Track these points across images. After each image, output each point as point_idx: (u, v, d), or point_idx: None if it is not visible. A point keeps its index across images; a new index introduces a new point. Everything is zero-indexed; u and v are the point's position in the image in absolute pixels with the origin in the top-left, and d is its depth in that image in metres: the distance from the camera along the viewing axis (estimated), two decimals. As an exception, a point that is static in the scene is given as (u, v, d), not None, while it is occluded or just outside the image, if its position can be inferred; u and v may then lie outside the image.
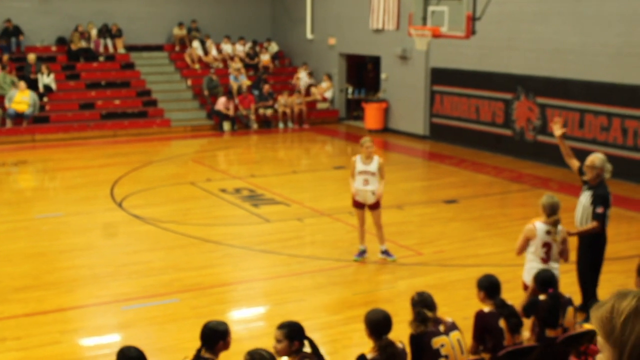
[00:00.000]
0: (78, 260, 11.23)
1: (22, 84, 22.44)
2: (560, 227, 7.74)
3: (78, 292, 9.99)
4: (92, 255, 11.47)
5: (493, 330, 6.42)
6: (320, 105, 25.67)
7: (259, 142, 22.95)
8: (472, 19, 14.54)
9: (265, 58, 27.08)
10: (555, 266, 7.73)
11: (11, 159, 19.67)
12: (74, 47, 25.55)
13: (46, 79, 23.69)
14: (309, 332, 5.81)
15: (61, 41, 26.05)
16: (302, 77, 25.93)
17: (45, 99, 23.45)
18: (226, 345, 5.74)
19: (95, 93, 24.52)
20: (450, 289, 9.69)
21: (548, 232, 7.69)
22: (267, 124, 24.35)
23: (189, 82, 25.84)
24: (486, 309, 6.54)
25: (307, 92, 25.69)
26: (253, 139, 23.21)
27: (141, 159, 19.21)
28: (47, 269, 10.83)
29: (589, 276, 8.57)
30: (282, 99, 24.50)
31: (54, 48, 25.92)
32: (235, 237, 12.15)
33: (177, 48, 27.14)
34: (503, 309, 6.47)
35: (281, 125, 24.34)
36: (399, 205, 14.14)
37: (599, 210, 8.25)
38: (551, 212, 7.68)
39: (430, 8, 15.61)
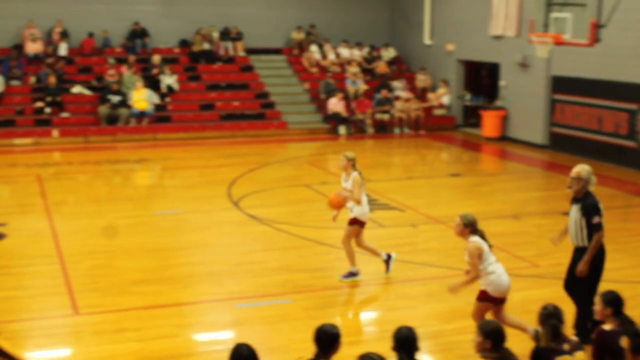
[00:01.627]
0: (195, 257, 11.51)
1: (139, 83, 23.19)
2: None
3: (194, 288, 10.23)
4: (209, 253, 11.74)
5: (614, 350, 6.15)
6: (437, 112, 25.44)
7: (375, 146, 22.95)
8: (597, 26, 14.10)
9: (382, 63, 27.06)
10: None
11: (134, 157, 20.35)
12: (195, 49, 26.23)
13: (169, 79, 24.40)
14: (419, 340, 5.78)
15: (184, 43, 26.79)
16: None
17: (167, 99, 24.15)
18: (337, 349, 5.74)
19: (215, 94, 25.08)
20: (568, 303, 9.41)
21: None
22: (383, 129, 24.32)
23: (306, 86, 26.10)
24: (607, 326, 6.28)
25: (423, 98, 25.50)
26: (368, 144, 23.23)
27: (258, 160, 19.53)
28: (165, 264, 11.14)
29: (586, 292, 8.19)
30: (399, 104, 24.41)
31: (177, 50, 26.67)
32: (349, 241, 12.17)
33: (295, 51, 27.47)
34: (627, 326, 6.21)
35: (397, 130, 24.25)
36: (515, 216, 13.86)
37: (595, 220, 8.01)
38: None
39: (553, 15, 15.25)
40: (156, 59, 25.02)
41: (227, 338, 8.60)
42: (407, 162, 20.92)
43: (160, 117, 23.48)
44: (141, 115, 22.99)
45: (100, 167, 19.17)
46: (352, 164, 10.32)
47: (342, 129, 23.81)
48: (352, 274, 10.40)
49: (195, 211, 14.23)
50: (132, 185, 18.10)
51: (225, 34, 26.91)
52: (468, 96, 25.51)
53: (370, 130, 24.12)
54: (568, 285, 8.52)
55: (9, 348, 4.93)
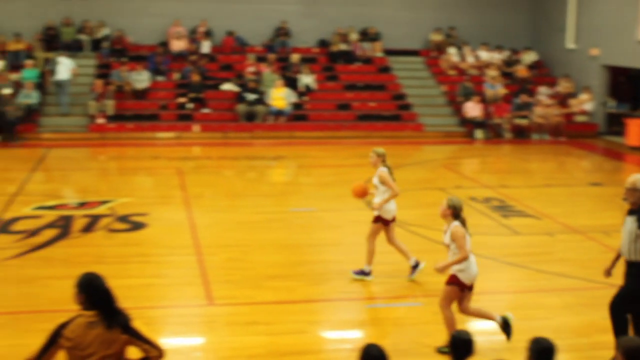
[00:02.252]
0: (327, 255, 11.60)
1: (279, 81, 23.58)
2: None
3: (325, 286, 10.29)
4: (341, 252, 11.79)
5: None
6: (579, 118, 24.62)
7: (512, 152, 22.46)
8: None
9: (522, 67, 26.45)
10: None
11: (270, 154, 20.73)
12: (334, 49, 26.45)
13: (307, 79, 24.71)
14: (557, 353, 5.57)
15: (322, 43, 27.07)
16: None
17: (305, 98, 24.46)
18: (471, 355, 5.64)
19: (352, 94, 25.20)
20: None
21: None
22: (521, 134, 23.76)
23: (444, 88, 25.84)
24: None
25: (565, 104, 24.73)
26: (505, 149, 22.76)
27: (392, 162, 19.21)
28: (298, 260, 11.27)
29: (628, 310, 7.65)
30: (539, 109, 23.78)
31: (315, 49, 26.98)
32: (482, 247, 11.90)
33: (433, 53, 27.24)
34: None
35: (536, 136, 23.64)
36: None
37: None
38: None
39: None
40: (295, 58, 25.39)
41: (356, 337, 8.62)
42: (546, 168, 20.33)
43: (297, 116, 23.82)
44: (279, 113, 23.38)
45: (238, 162, 19.63)
46: (382, 159, 10.18)
47: (478, 133, 23.43)
48: (364, 273, 10.32)
49: (329, 209, 14.34)
50: (267, 181, 18.45)
51: (364, 35, 27.01)
52: (612, 103, 24.56)
53: (508, 135, 23.62)
54: (616, 307, 7.75)
55: (146, 333, 5.09)
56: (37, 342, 5.10)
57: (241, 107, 23.38)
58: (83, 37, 25.48)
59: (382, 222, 10.30)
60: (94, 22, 25.73)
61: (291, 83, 24.32)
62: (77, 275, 5.17)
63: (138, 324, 5.09)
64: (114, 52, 25.34)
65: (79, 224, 12.94)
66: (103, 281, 5.09)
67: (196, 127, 23.10)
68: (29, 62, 23.68)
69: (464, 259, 7.84)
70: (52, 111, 23.34)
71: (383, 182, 10.08)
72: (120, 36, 25.59)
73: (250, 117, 23.47)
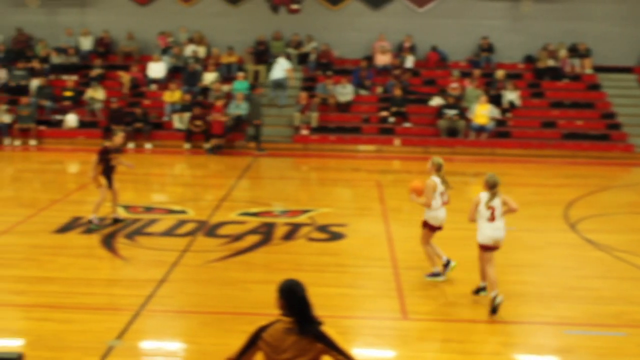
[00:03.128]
0: (525, 276, 11.27)
1: (483, 97, 23.23)
2: None
3: (522, 308, 9.98)
4: (540, 274, 11.41)
5: None
6: None
7: None
8: None
9: None
10: None
11: (470, 170, 20.46)
12: (540, 65, 25.74)
13: (511, 95, 24.19)
14: None
15: (528, 59, 26.42)
16: None
17: (508, 115, 23.97)
18: None
19: (558, 112, 24.41)
20: None
21: None
22: None
23: (658, 107, 24.45)
24: None
25: None
26: None
27: (599, 183, 18.66)
28: (500, 279, 10.98)
29: None
30: None
31: (521, 65, 26.39)
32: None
33: (648, 71, 25.87)
34: None
35: None
36: None
37: None
38: None
39: None
40: (500, 74, 24.96)
41: (554, 364, 8.29)
42: None
43: (499, 133, 23.37)
44: (480, 129, 23.05)
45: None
46: (435, 168, 10.71)
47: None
48: (435, 275, 10.84)
49: (529, 229, 13.92)
50: (466, 198, 18.15)
51: (573, 51, 26.09)
52: None
53: None
54: None
55: (341, 343, 5.14)
56: (237, 342, 5.29)
57: (442, 123, 23.27)
58: (291, 51, 26.39)
59: (429, 228, 10.82)
60: (302, 36, 26.60)
61: (495, 99, 23.92)
62: (276, 280, 5.33)
63: (332, 332, 5.15)
64: (320, 65, 26.04)
65: (281, 231, 13.37)
66: (302, 288, 5.20)
67: (397, 141, 23.24)
68: (240, 74, 24.86)
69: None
70: (259, 122, 24.32)
71: (425, 189, 10.67)
72: (326, 50, 26.27)
73: (452, 132, 23.30)
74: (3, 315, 9.48)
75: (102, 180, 13.49)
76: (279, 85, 24.50)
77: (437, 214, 10.77)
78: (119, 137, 13.75)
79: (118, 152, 13.85)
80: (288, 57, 25.64)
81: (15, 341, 8.57)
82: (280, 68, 24.34)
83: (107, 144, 13.89)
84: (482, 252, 9.94)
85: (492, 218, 9.77)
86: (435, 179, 10.68)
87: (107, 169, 13.51)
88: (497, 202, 9.82)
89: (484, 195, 9.85)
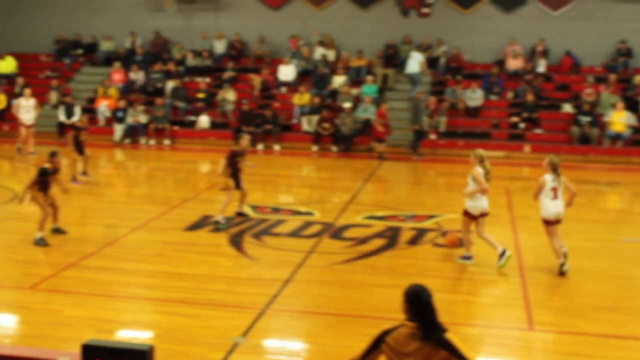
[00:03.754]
0: (661, 291, 10.77)
1: (620, 104, 22.36)
2: None
3: (657, 324, 9.57)
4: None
5: None
6: None
7: None
8: None
9: None
10: None
11: (604, 179, 19.77)
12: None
13: (649, 102, 23.24)
14: None
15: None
16: None
17: (648, 122, 23.05)
18: None
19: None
20: None
21: None
22: None
23: None
24: None
25: None
26: None
27: None
28: (628, 293, 10.60)
29: None
30: None
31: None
32: None
33: None
34: None
35: None
36: None
37: None
38: None
39: None
40: (638, 79, 23.98)
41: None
42: None
43: (636, 141, 22.46)
44: (616, 137, 22.23)
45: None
46: (478, 160, 11.47)
47: None
48: (466, 257, 11.73)
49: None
50: (599, 207, 17.56)
51: None
52: None
53: None
54: None
55: (465, 351, 5.06)
56: (359, 345, 5.29)
57: (575, 130, 22.58)
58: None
59: (469, 216, 11.55)
60: (432, 40, 26.40)
61: (632, 106, 23.00)
62: (400, 285, 5.30)
63: (458, 340, 5.08)
64: (450, 69, 25.78)
65: (406, 236, 13.30)
66: (428, 294, 5.15)
67: (527, 148, 22.72)
68: (369, 78, 24.92)
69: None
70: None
71: (474, 178, 11.33)
72: (456, 54, 25.98)
73: (585, 140, 22.57)
74: (135, 308, 9.84)
75: (230, 183, 13.86)
76: (413, 79, 24.43)
77: (478, 203, 11.47)
78: (244, 140, 14.09)
79: (243, 155, 14.15)
80: (423, 49, 25.54)
81: (146, 333, 8.88)
82: (415, 61, 24.29)
83: (235, 147, 14.21)
84: (547, 227, 11.32)
85: (554, 197, 11.16)
86: (479, 169, 11.40)
87: (234, 172, 13.88)
88: (559, 183, 11.18)
89: (549, 177, 11.22)
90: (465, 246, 11.80)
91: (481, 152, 11.63)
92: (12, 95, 25.97)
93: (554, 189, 11.16)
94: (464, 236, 11.83)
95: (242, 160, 14.03)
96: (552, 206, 11.13)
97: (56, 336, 8.62)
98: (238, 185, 13.98)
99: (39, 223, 12.41)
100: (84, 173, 17.75)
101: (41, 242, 12.25)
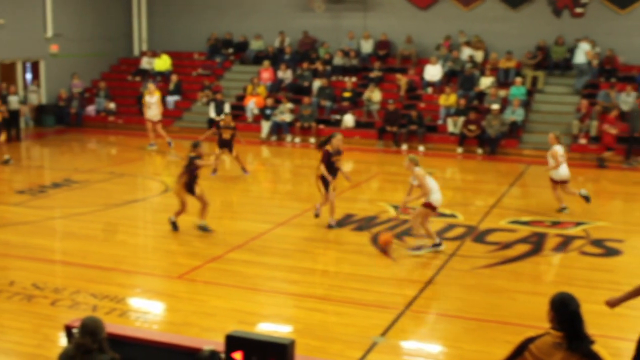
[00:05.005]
0: None
1: None
2: None
3: None
4: None
5: None
6: None
7: None
8: None
9: None
10: None
11: None
12: None
13: None
14: None
15: None
16: None
17: None
18: None
19: None
20: None
21: None
22: None
23: None
24: None
25: None
26: None
27: None
28: None
29: None
30: None
31: None
32: None
33: None
34: None
35: None
36: None
37: None
38: None
39: None
40: None
41: None
42: None
43: None
44: None
45: None
46: (413, 164, 12.04)
47: None
48: (436, 245, 12.15)
49: None
50: None
51: None
52: None
53: None
54: None
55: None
56: (500, 352, 5.18)
57: None
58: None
59: (431, 208, 12.04)
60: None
61: None
62: (544, 292, 5.15)
63: (605, 353, 4.87)
64: (603, 72, 24.82)
65: (552, 242, 12.91)
66: (576, 303, 4.98)
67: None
68: (517, 79, 24.36)
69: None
70: (535, 128, 23.71)
71: (417, 178, 11.99)
72: (610, 56, 24.97)
73: None
74: (276, 302, 10.03)
75: (322, 185, 13.63)
76: (581, 70, 23.73)
77: (436, 196, 12.02)
78: (337, 140, 13.86)
79: (340, 155, 13.94)
80: (569, 67, 24.84)
81: (286, 327, 9.03)
82: (582, 51, 23.64)
83: (327, 147, 13.84)
84: (559, 185, 15.07)
85: (564, 161, 14.72)
86: (418, 169, 12.00)
87: (331, 171, 13.63)
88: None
89: (559, 148, 14.75)
90: (431, 236, 12.19)
91: (413, 155, 12.44)
92: (166, 92, 27.08)
93: (563, 156, 14.83)
94: (425, 227, 12.14)
95: (338, 160, 13.89)
96: (564, 168, 14.95)
97: (201, 325, 8.90)
98: (327, 189, 13.61)
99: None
100: (244, 171, 18.34)
101: (204, 229, 12.96)
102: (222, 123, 18.72)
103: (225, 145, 18.28)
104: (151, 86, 23.05)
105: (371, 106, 24.93)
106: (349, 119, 24.76)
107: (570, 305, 4.97)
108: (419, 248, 12.15)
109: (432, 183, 12.07)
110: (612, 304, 7.51)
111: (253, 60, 28.84)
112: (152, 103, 22.33)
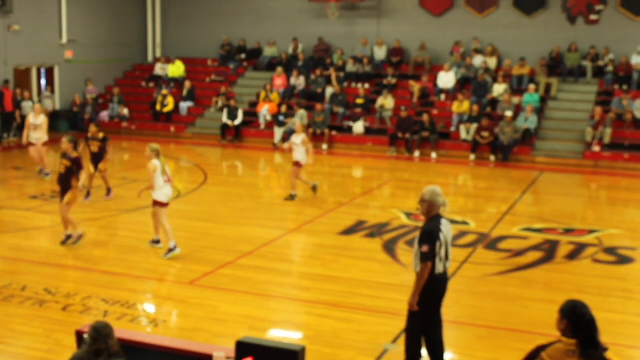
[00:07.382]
0: None
1: None
2: None
3: None
4: None
5: None
6: None
7: None
8: None
9: None
10: None
11: None
12: None
13: None
14: None
15: None
16: None
17: None
18: None
19: None
20: None
21: None
22: None
23: None
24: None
25: None
26: None
27: None
28: None
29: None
30: None
31: None
32: None
33: None
34: None
35: None
36: None
37: (424, 249, 7.53)
38: None
39: None
40: None
41: None
42: None
43: None
44: None
45: None
46: (155, 154, 11.79)
47: None
48: (170, 250, 11.87)
49: None
50: None
51: None
52: None
53: None
54: None
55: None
56: (511, 359, 5.14)
57: None
58: (586, 64, 25.30)
59: (159, 205, 11.95)
60: (599, 48, 25.39)
61: None
62: (556, 300, 5.12)
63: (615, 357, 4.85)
64: (617, 79, 24.72)
65: (564, 250, 12.85)
66: (588, 310, 4.96)
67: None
68: (531, 86, 24.29)
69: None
70: (548, 135, 23.64)
71: (150, 172, 11.72)
72: (625, 63, 24.87)
73: None
74: (287, 309, 10.02)
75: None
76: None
77: (166, 191, 11.95)
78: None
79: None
80: (590, 58, 24.71)
81: (296, 334, 9.01)
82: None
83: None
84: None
85: None
86: (156, 162, 11.75)
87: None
88: None
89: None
90: (159, 231, 12.35)
91: (157, 146, 11.96)
92: (180, 98, 27.16)
93: None
94: (164, 224, 12.01)
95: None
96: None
97: (211, 331, 8.90)
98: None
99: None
100: (108, 192, 16.44)
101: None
102: (89, 134, 16.35)
103: (94, 159, 16.07)
104: (37, 106, 19.08)
105: (384, 113, 24.91)
106: (358, 126, 24.72)
107: (583, 313, 4.95)
108: (156, 242, 12.45)
109: (160, 180, 11.89)
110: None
111: (266, 67, 28.89)
112: (38, 125, 18.35)
